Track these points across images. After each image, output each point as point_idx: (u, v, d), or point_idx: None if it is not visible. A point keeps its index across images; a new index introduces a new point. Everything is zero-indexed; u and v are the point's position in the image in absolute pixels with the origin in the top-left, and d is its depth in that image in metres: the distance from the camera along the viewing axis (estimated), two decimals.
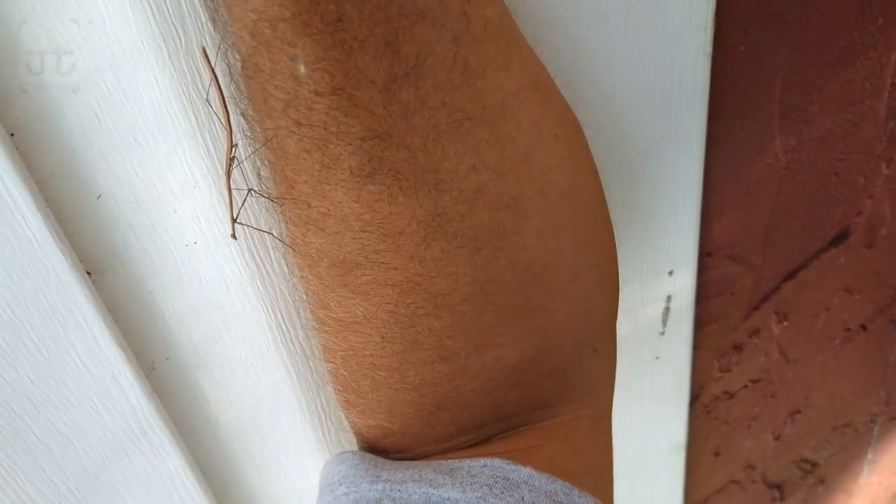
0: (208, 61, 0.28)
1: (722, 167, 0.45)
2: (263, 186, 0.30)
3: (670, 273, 0.46)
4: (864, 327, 0.59)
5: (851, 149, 0.49)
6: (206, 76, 0.29)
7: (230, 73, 0.27)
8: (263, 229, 0.33)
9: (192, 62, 0.30)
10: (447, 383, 0.31)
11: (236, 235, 0.32)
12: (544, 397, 0.33)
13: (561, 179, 0.30)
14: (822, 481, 0.71)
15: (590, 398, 0.35)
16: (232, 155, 0.30)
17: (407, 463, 0.32)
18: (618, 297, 0.35)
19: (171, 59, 0.29)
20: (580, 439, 0.34)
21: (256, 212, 0.33)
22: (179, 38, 0.29)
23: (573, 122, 0.31)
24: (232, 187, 0.30)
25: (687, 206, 0.44)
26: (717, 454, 0.61)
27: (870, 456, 0.71)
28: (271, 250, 0.34)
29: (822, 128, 0.47)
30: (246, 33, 0.24)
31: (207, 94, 0.30)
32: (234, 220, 0.31)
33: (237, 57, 0.26)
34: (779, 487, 0.68)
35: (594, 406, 0.35)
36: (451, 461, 0.31)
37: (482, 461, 0.31)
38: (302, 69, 0.24)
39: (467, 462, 0.31)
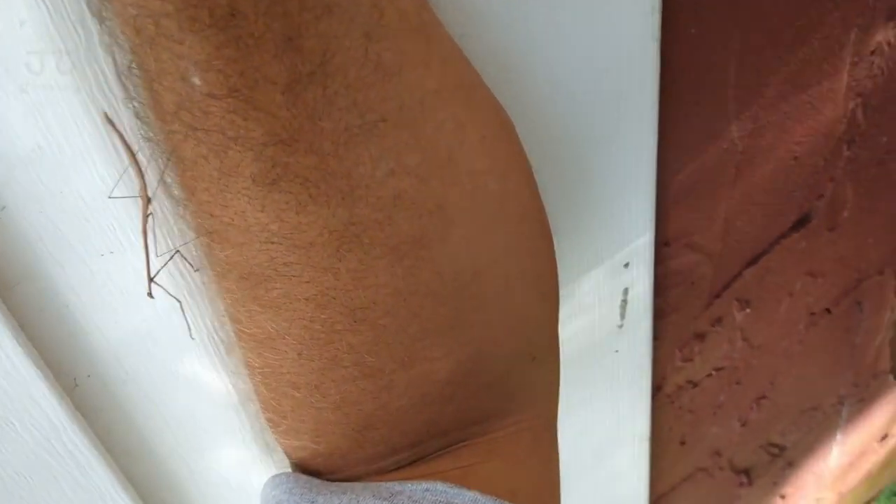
0: (112, 124, 0.27)
1: (676, 155, 0.44)
2: (169, 191, 0.28)
3: (626, 265, 0.44)
4: (828, 311, 0.59)
5: (811, 131, 0.47)
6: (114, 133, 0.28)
7: (118, 71, 0.24)
8: (177, 297, 0.31)
9: (94, 63, 0.27)
10: (373, 401, 0.29)
11: (153, 294, 0.30)
12: (482, 411, 0.31)
13: (490, 183, 0.28)
14: (790, 464, 0.70)
15: (532, 410, 0.33)
16: (148, 211, 0.28)
17: (345, 486, 0.30)
18: (557, 304, 0.33)
19: (70, 59, 0.27)
20: (522, 454, 0.32)
21: (171, 223, 0.31)
22: (79, 36, 0.27)
23: (503, 122, 0.30)
24: (149, 243, 0.29)
25: (641, 197, 0.42)
26: (682, 443, 0.60)
27: (838, 437, 0.71)
28: (196, 258, 0.32)
29: (779, 111, 0.45)
30: (128, 29, 0.22)
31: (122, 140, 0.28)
32: (150, 279, 0.29)
33: (124, 55, 0.23)
34: (746, 472, 0.67)
35: (537, 418, 0.33)
36: (391, 484, 0.30)
37: (424, 485, 0.29)
38: (192, 70, 0.22)
39: (408, 486, 0.29)
